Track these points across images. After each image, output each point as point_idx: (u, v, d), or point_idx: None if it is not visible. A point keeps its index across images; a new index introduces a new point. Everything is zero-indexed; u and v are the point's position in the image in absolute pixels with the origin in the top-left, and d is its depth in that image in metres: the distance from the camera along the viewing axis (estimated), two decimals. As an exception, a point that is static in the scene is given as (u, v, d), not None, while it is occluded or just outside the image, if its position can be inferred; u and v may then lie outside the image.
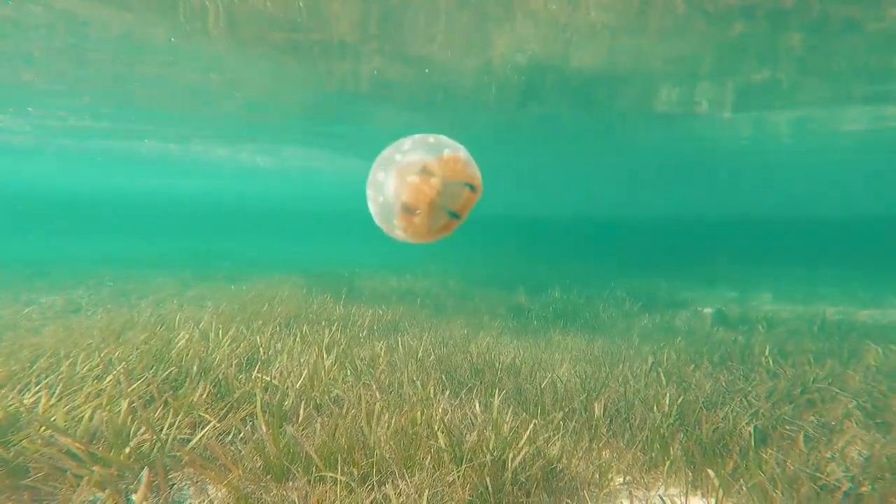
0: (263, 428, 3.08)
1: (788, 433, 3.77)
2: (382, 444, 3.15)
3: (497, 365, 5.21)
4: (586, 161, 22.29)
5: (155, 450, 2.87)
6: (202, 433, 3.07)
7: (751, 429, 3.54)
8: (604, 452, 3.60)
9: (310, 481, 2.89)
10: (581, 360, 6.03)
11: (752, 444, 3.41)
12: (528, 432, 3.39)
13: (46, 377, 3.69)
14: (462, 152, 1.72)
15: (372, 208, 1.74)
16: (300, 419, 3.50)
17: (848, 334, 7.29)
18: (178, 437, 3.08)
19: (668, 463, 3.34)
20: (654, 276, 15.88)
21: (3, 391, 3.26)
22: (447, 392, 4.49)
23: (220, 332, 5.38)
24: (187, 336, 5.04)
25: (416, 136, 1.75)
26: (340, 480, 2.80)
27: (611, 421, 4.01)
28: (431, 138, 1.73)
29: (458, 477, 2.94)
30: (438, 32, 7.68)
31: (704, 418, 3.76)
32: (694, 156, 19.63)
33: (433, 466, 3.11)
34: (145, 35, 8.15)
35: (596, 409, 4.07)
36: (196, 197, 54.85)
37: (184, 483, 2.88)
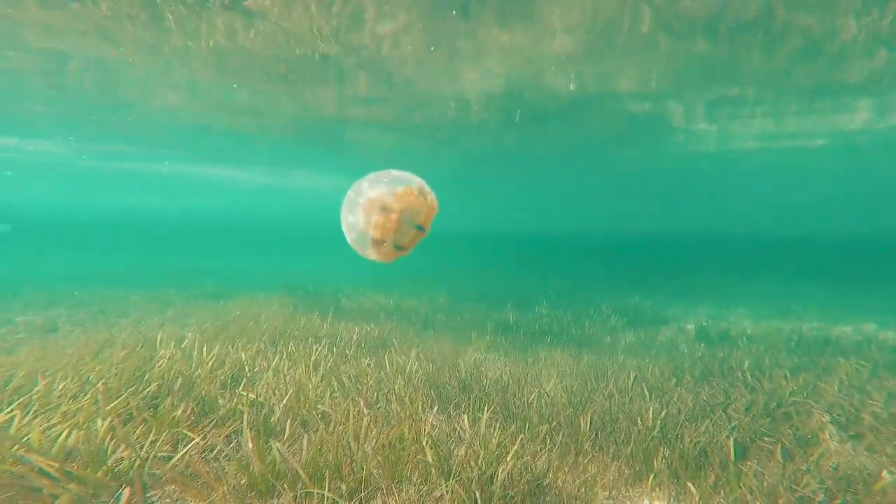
0: (249, 444, 3.03)
1: (766, 446, 3.87)
2: (370, 460, 3.13)
3: (485, 381, 5.22)
4: (569, 178, 22.87)
5: (134, 467, 2.79)
6: (184, 450, 3.00)
7: (730, 442, 3.63)
8: (589, 466, 3.63)
9: (296, 497, 2.85)
10: (568, 376, 6.09)
11: (733, 457, 3.49)
12: (515, 447, 3.41)
13: (20, 397, 3.57)
14: (415, 184, 1.98)
15: (349, 239, 2.06)
16: (287, 435, 3.45)
17: (823, 349, 7.54)
18: (159, 454, 3.01)
19: (651, 476, 3.39)
20: (639, 291, 16.19)
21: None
22: (436, 408, 4.48)
23: (204, 349, 5.28)
24: (169, 354, 4.93)
25: (372, 175, 2.05)
26: (327, 497, 2.76)
27: (596, 435, 4.05)
28: (385, 176, 2.01)
29: (447, 492, 2.94)
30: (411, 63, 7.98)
31: (686, 432, 3.84)
32: (671, 172, 20.33)
33: (421, 481, 3.09)
34: (127, 65, 8.31)
35: (582, 424, 4.12)
36: (178, 215, 53.95)
37: (164, 502, 2.80)
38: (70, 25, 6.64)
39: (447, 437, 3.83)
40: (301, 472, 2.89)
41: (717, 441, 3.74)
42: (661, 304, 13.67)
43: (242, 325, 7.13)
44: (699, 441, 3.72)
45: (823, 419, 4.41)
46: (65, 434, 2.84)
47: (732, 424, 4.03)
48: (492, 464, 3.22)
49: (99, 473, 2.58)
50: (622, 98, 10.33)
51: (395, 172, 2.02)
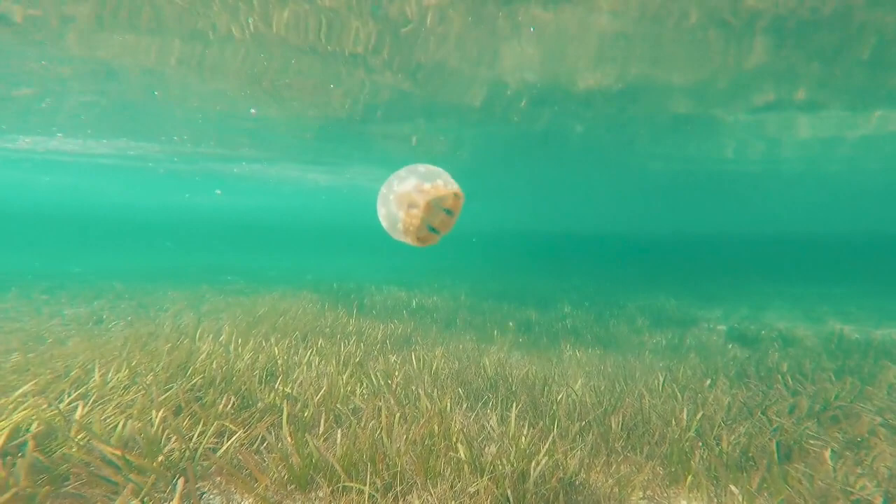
0: (288, 438, 3.15)
1: (813, 449, 3.74)
2: (402, 455, 3.20)
3: (510, 379, 5.24)
4: (597, 176, 22.43)
5: (185, 458, 2.95)
6: (229, 443, 3.15)
7: (773, 444, 3.53)
8: (622, 466, 3.61)
9: (333, 491, 2.94)
10: (595, 376, 6.03)
11: (777, 459, 3.40)
12: (546, 444, 3.42)
13: (78, 388, 3.81)
14: (441, 180, 2.15)
15: (385, 227, 2.28)
16: (322, 430, 3.56)
17: (866, 352, 7.19)
18: (206, 446, 3.16)
19: (689, 478, 3.34)
20: (664, 292, 15.78)
21: (38, 400, 3.38)
22: (464, 405, 4.52)
23: (241, 344, 5.49)
24: (208, 348, 5.16)
25: (402, 171, 2.20)
26: (365, 490, 2.85)
27: (628, 435, 4.01)
28: (419, 170, 2.17)
29: (481, 489, 2.97)
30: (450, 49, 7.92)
31: (725, 433, 3.75)
32: (704, 172, 19.68)
33: (454, 477, 3.14)
34: (166, 68, 8.65)
35: (613, 424, 4.08)
36: (207, 212, 55.85)
37: (211, 492, 2.95)
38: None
39: (477, 433, 3.87)
40: (337, 465, 2.99)
41: (759, 443, 3.64)
42: (688, 304, 13.30)
43: (273, 320, 7.36)
44: (739, 442, 3.64)
45: (875, 421, 4.22)
46: (122, 424, 3.03)
47: (775, 426, 3.91)
48: (523, 461, 3.24)
49: (155, 463, 2.75)
50: (661, 94, 10.03)
51: (422, 167, 2.18)
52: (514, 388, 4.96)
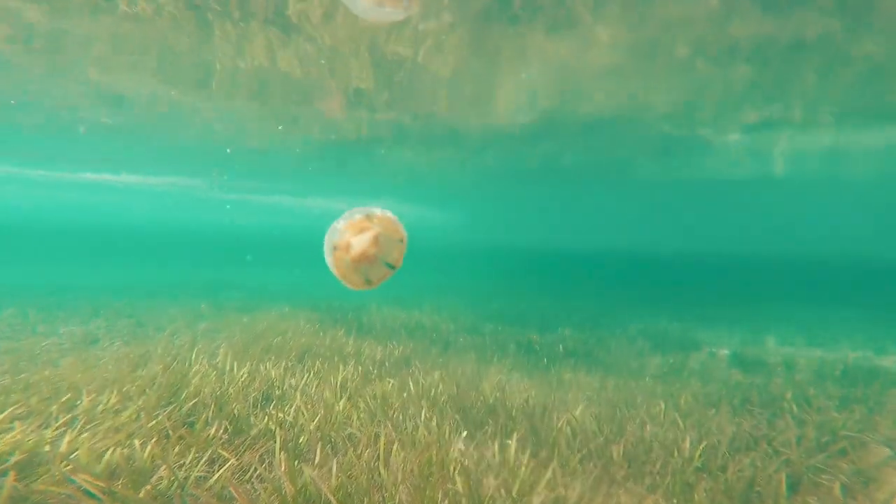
0: (282, 467, 3.05)
1: (823, 482, 3.62)
2: (399, 486, 3.10)
3: (509, 405, 5.13)
4: (594, 196, 22.62)
5: (173, 487, 2.85)
6: (219, 472, 3.05)
7: (782, 476, 3.42)
8: (623, 498, 3.48)
9: (326, 525, 2.83)
10: (595, 401, 5.90)
11: (784, 492, 3.28)
12: (547, 475, 3.32)
13: (67, 413, 3.72)
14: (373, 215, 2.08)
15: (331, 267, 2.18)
16: (317, 459, 3.46)
17: (871, 380, 7.06)
18: (197, 474, 3.06)
19: None
20: (666, 314, 15.65)
21: (22, 426, 3.30)
22: (463, 432, 4.41)
23: (236, 366, 5.41)
24: (202, 370, 5.07)
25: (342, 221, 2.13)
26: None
27: (629, 465, 3.89)
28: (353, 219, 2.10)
29: (478, 525, 2.86)
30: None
31: (730, 464, 3.64)
32: (700, 191, 19.85)
33: (451, 512, 3.03)
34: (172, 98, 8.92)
35: (614, 453, 3.96)
36: (206, 229, 56.08)
37: (199, 525, 2.84)
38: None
39: (476, 464, 3.76)
40: (331, 497, 2.89)
41: (766, 474, 3.52)
42: (690, 327, 13.16)
43: (270, 340, 7.27)
44: (744, 474, 3.52)
45: (884, 453, 4.10)
46: (109, 452, 2.94)
47: (783, 459, 3.80)
48: (524, 496, 3.13)
49: (142, 493, 2.65)
50: (656, 117, 10.25)
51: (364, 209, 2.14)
52: (513, 415, 4.84)
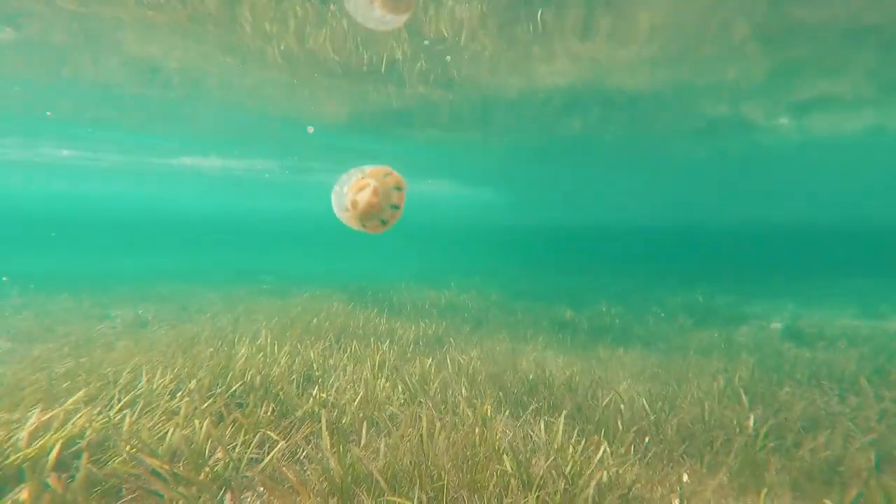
0: (329, 448, 3.08)
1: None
2: (447, 467, 3.07)
3: (551, 381, 5.03)
4: (631, 171, 21.58)
5: (229, 469, 2.93)
6: (271, 454, 3.11)
7: (870, 455, 3.18)
8: (683, 478, 3.35)
9: (377, 505, 2.85)
10: (641, 378, 5.72)
11: (874, 470, 3.06)
12: (598, 455, 3.22)
13: (126, 394, 3.89)
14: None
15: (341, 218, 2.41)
16: (362, 439, 3.48)
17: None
18: (249, 456, 3.14)
19: (764, 490, 3.04)
20: (707, 288, 14.99)
21: (87, 409, 3.46)
22: (505, 412, 4.36)
23: (276, 347, 5.53)
24: (247, 352, 5.22)
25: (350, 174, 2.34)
26: (410, 507, 2.73)
27: (686, 444, 3.74)
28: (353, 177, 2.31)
29: (531, 507, 2.80)
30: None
31: (805, 442, 3.43)
32: (744, 163, 18.54)
33: (500, 492, 2.99)
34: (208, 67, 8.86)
35: (669, 431, 3.81)
36: (238, 215, 57.84)
37: None
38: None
39: (521, 442, 3.70)
40: (380, 478, 2.89)
41: (848, 453, 3.30)
42: (735, 301, 12.56)
43: (306, 321, 7.42)
44: (822, 452, 3.31)
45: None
46: (169, 433, 3.05)
47: (871, 437, 3.54)
48: (576, 477, 3.04)
49: (202, 475, 2.73)
50: (699, 97, 9.54)
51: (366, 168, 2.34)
52: (555, 392, 4.75)
